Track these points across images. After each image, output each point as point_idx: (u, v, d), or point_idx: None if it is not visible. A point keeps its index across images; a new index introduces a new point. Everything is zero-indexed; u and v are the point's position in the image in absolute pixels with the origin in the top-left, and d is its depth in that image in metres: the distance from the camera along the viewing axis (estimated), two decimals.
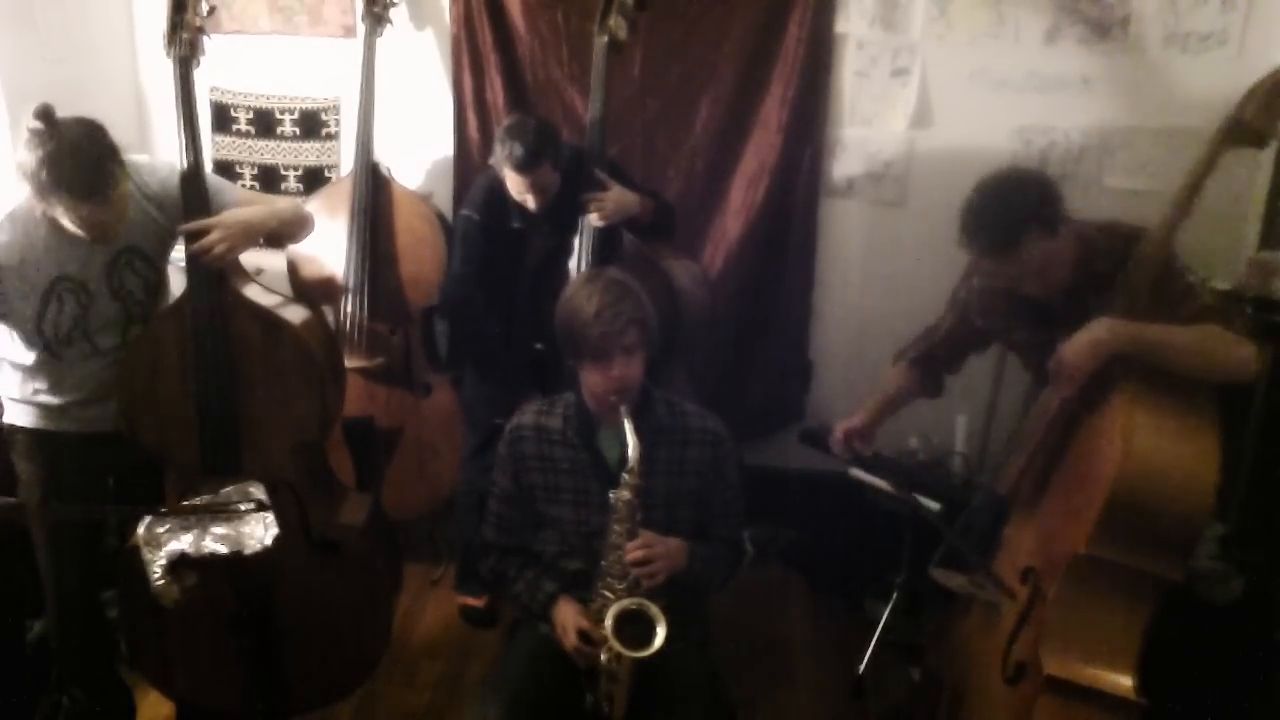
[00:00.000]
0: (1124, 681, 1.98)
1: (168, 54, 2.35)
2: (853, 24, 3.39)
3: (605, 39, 2.80)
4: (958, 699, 2.41)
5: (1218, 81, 3.22)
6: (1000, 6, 3.29)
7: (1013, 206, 2.12)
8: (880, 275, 3.58)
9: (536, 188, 2.79)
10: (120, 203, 2.23)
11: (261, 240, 2.47)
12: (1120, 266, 2.11)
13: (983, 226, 2.15)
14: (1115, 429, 1.98)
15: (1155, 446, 1.92)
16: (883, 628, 2.96)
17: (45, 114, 2.11)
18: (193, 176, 2.34)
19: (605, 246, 2.84)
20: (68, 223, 2.19)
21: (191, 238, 2.30)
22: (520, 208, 2.88)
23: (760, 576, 3.56)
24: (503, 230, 2.94)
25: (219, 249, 2.29)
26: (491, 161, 2.88)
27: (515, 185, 2.81)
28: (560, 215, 2.88)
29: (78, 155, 2.10)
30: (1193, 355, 1.99)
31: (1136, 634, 2.01)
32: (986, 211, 2.15)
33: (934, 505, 2.66)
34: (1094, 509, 1.96)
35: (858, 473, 2.75)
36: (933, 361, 2.56)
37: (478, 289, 3.00)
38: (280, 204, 2.83)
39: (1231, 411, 2.01)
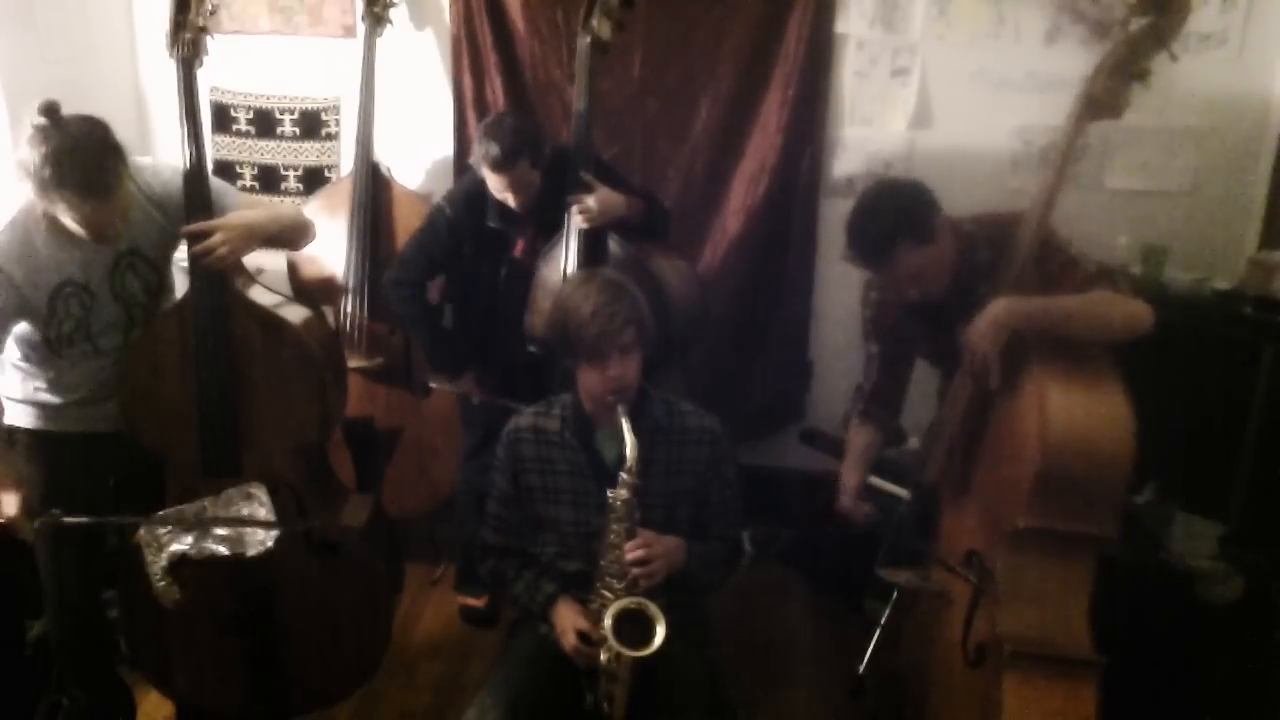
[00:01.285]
0: (1082, 641, 2.05)
1: (170, 54, 2.35)
2: (853, 24, 3.39)
3: (589, 39, 2.80)
4: (922, 690, 2.45)
5: (1218, 81, 3.23)
6: (1000, 6, 3.30)
7: (881, 220, 2.21)
8: None
9: (515, 186, 2.79)
10: (122, 202, 2.22)
11: (263, 243, 2.47)
12: (1001, 253, 2.19)
13: (857, 242, 2.26)
14: (1031, 406, 2.04)
15: (1072, 414, 1.99)
16: (883, 628, 2.96)
17: (50, 110, 2.11)
18: (195, 177, 2.34)
19: (592, 248, 2.83)
20: (68, 221, 2.18)
21: (194, 239, 2.30)
22: (500, 207, 2.88)
23: (760, 576, 3.56)
24: (477, 229, 2.94)
25: (221, 251, 2.29)
26: (470, 160, 2.88)
27: (493, 183, 2.81)
28: (543, 216, 2.88)
29: (81, 153, 2.10)
30: (1088, 320, 2.07)
31: (1084, 594, 2.08)
32: (861, 226, 2.25)
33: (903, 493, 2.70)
34: (1024, 484, 2.03)
35: (873, 479, 2.75)
36: (878, 405, 2.60)
37: (421, 276, 3.05)
38: (283, 209, 2.83)
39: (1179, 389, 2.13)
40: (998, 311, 2.07)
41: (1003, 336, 2.06)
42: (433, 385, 3.23)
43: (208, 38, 2.38)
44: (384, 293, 3.15)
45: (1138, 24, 2.08)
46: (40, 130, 2.10)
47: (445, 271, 3.12)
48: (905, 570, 2.36)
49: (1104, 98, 2.09)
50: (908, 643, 2.56)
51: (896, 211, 2.21)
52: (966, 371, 2.18)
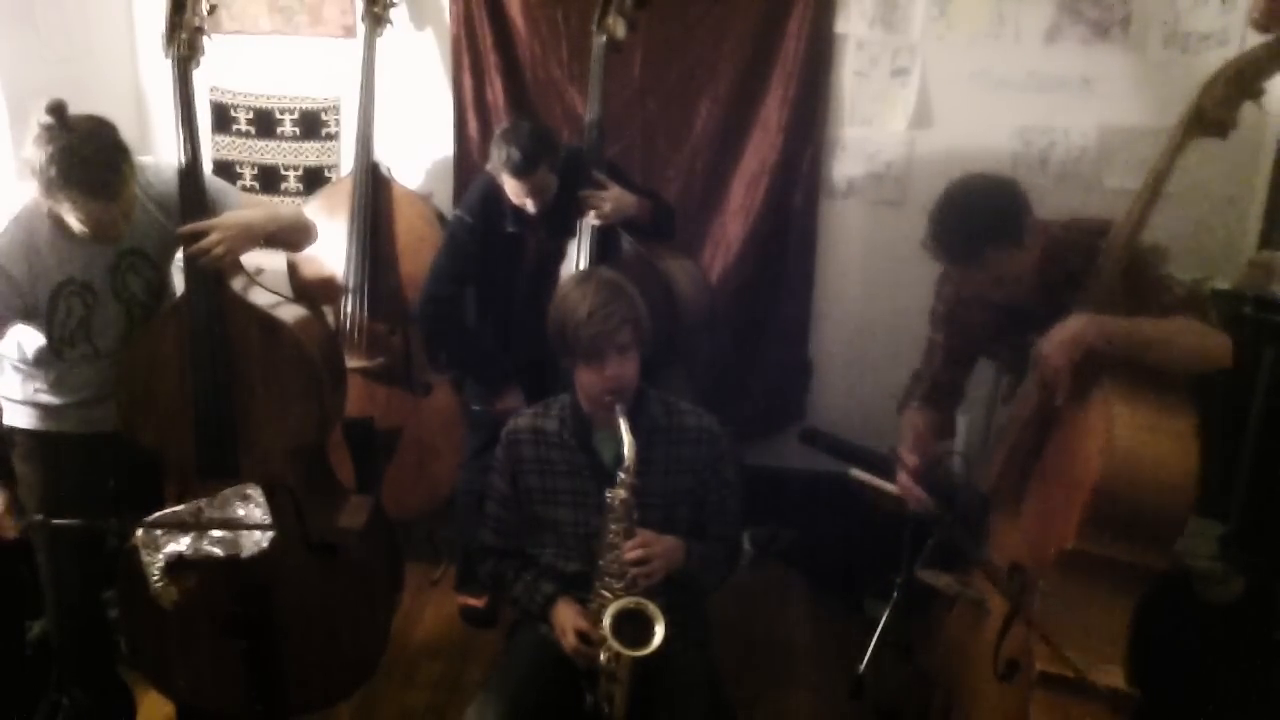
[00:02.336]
0: (1115, 672, 2.00)
1: (166, 54, 2.35)
2: (853, 24, 3.39)
3: (604, 39, 2.80)
4: (950, 697, 2.42)
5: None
6: (1000, 6, 3.30)
7: (974, 219, 2.11)
8: (880, 275, 3.57)
9: (534, 191, 2.79)
10: (127, 202, 2.22)
11: (262, 242, 2.46)
12: (1090, 262, 2.11)
13: (944, 238, 2.15)
14: (1096, 424, 1.99)
15: (1137, 440, 1.94)
16: (883, 628, 2.96)
17: (57, 109, 2.11)
18: (191, 177, 2.34)
19: (603, 247, 2.84)
20: (73, 220, 2.18)
21: (189, 239, 2.30)
22: (516, 211, 2.88)
23: (760, 576, 3.56)
24: (496, 234, 2.94)
25: (217, 250, 2.28)
26: (488, 166, 2.88)
27: (513, 189, 2.81)
28: (557, 218, 2.88)
29: (88, 152, 2.10)
30: (1168, 347, 2.00)
31: (1124, 625, 2.03)
32: (948, 223, 2.14)
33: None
34: (1079, 504, 1.98)
35: (858, 474, 2.75)
36: (940, 394, 2.52)
37: (456, 289, 3.01)
38: (283, 209, 2.83)
39: (1211, 402, 2.02)
40: (1077, 327, 2.00)
41: (1079, 353, 1.99)
42: (475, 408, 3.14)
43: (204, 38, 2.38)
44: (420, 319, 3.11)
45: (1209, 27, 2.00)
46: (47, 130, 2.10)
47: (475, 282, 3.07)
48: (946, 575, 2.30)
49: (1215, 114, 2.00)
50: (938, 647, 2.53)
51: (990, 210, 2.10)
52: (1035, 383, 2.10)
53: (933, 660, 2.54)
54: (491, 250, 2.96)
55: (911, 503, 2.43)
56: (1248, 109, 3.29)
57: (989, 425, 3.38)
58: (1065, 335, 2.00)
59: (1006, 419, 2.29)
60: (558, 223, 2.89)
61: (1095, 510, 1.95)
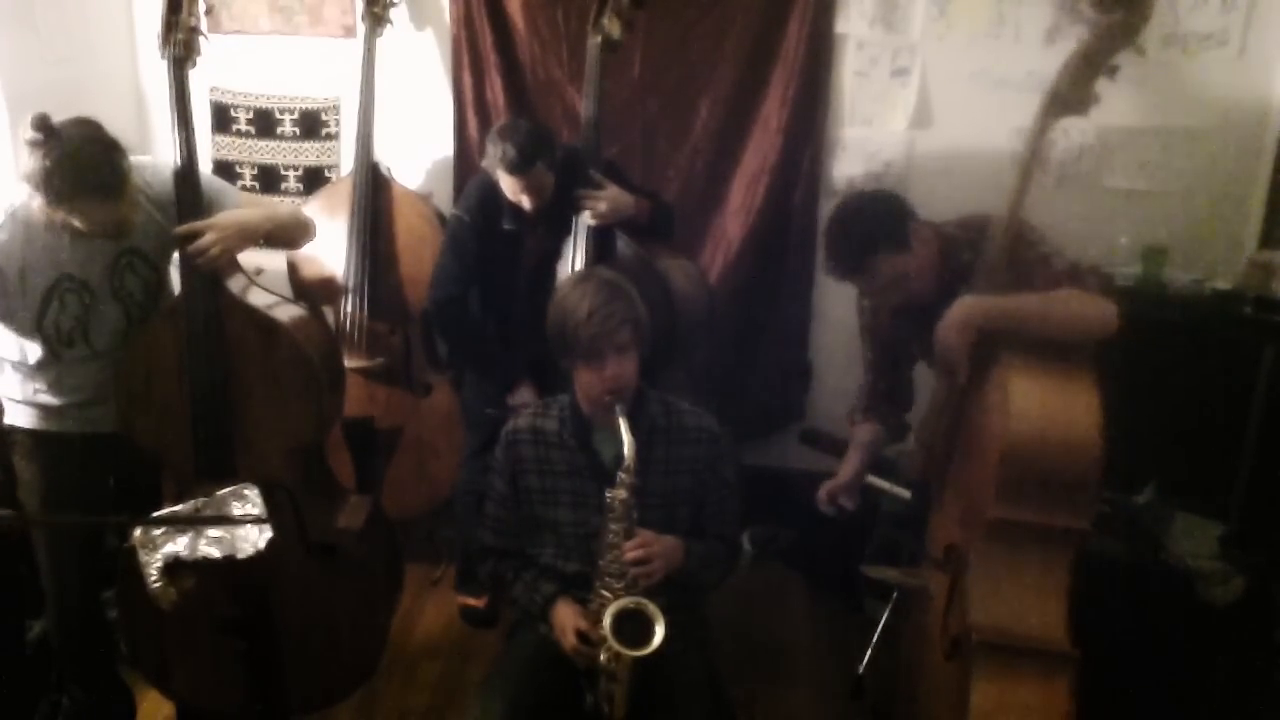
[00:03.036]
0: (1055, 634, 2.05)
1: (162, 54, 2.35)
2: (853, 24, 3.39)
3: (599, 38, 2.80)
4: (911, 686, 2.47)
5: (1218, 81, 3.23)
6: (1000, 6, 3.29)
7: (856, 233, 2.26)
8: None
9: (531, 189, 2.79)
10: (131, 196, 2.23)
11: (261, 242, 2.47)
12: (980, 252, 2.22)
13: (833, 255, 2.31)
14: (997, 398, 2.07)
15: (1035, 405, 2.02)
16: (882, 628, 2.96)
17: (42, 124, 2.09)
18: (187, 177, 2.33)
19: (601, 247, 2.84)
20: (83, 224, 2.18)
21: (186, 239, 2.30)
22: (514, 209, 2.88)
23: (760, 576, 3.56)
24: (494, 232, 2.94)
25: (213, 251, 2.28)
26: (485, 164, 2.88)
27: (510, 187, 2.81)
28: (555, 216, 2.87)
29: (87, 158, 2.10)
30: (1054, 319, 2.08)
31: (1059, 587, 2.08)
32: (835, 239, 2.30)
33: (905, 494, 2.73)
34: (993, 475, 2.05)
35: (873, 479, 2.76)
36: (883, 403, 2.61)
37: (462, 288, 3.00)
38: (280, 208, 2.83)
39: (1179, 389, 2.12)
40: (963, 310, 2.10)
41: (969, 335, 2.09)
42: (489, 411, 3.08)
43: (201, 38, 2.39)
44: (430, 321, 3.13)
45: (1105, 20, 2.05)
46: (38, 144, 2.09)
47: (478, 280, 3.06)
48: (891, 569, 2.40)
49: (1069, 94, 2.09)
50: (904, 641, 2.58)
51: (867, 224, 2.25)
52: (938, 369, 2.21)
53: (898, 655, 2.60)
54: (489, 248, 2.96)
55: (823, 507, 2.58)
56: (1249, 108, 3.32)
57: None
58: (954, 319, 2.10)
59: (928, 410, 2.38)
60: (555, 221, 2.89)
61: (1006, 477, 2.03)
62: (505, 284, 3.00)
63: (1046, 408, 2.01)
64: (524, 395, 2.98)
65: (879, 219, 2.25)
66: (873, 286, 2.33)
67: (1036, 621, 2.06)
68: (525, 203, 2.82)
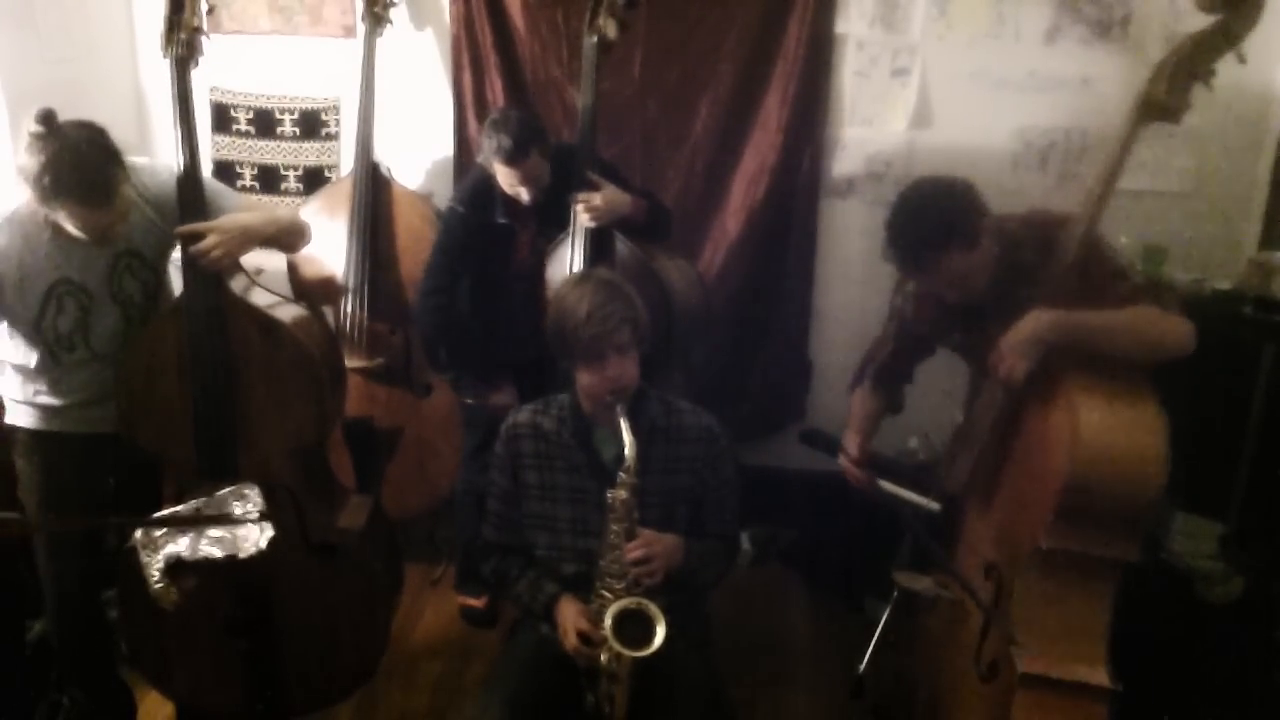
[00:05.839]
0: (1096, 668, 2.01)
1: (164, 55, 2.35)
2: (853, 24, 3.39)
3: (595, 38, 2.80)
4: (935, 698, 2.43)
5: (1218, 81, 3.22)
6: (1000, 6, 3.29)
7: (926, 226, 2.10)
8: (880, 275, 3.55)
9: (527, 179, 2.79)
10: (122, 206, 2.23)
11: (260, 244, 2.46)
12: (1046, 255, 2.10)
13: (896, 245, 2.15)
14: (1062, 420, 1.98)
15: (1103, 433, 1.93)
16: (883, 628, 2.96)
17: (47, 118, 2.11)
18: (189, 178, 2.33)
19: (598, 248, 2.83)
20: (70, 226, 2.19)
21: (188, 241, 2.30)
22: (509, 203, 2.88)
23: (760, 576, 3.56)
24: (488, 225, 2.94)
25: (216, 253, 2.28)
26: (479, 158, 2.88)
27: (506, 178, 2.81)
28: (550, 212, 2.87)
29: (80, 161, 2.10)
30: (1129, 338, 1.99)
31: (1102, 618, 2.03)
32: (901, 230, 2.14)
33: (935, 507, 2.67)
34: (1049, 501, 1.98)
35: (886, 484, 2.74)
36: (887, 376, 2.54)
37: (449, 279, 3.01)
38: (280, 212, 2.83)
39: (1178, 389, 2.03)
40: (1037, 326, 1.99)
41: (1040, 350, 1.99)
42: (469, 401, 3.15)
43: (203, 38, 2.38)
44: (416, 310, 3.12)
45: (1205, 22, 1.96)
46: (38, 138, 2.09)
47: (469, 271, 3.06)
48: (925, 577, 2.29)
49: (1164, 100, 1.97)
50: (920, 647, 2.53)
51: (943, 216, 2.08)
52: (997, 382, 2.09)
53: (914, 659, 2.56)
54: (482, 241, 2.96)
55: (852, 481, 2.47)
56: (1249, 108, 3.32)
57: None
58: (1023, 335, 2.00)
59: (973, 418, 2.29)
60: (550, 216, 2.88)
61: (1067, 508, 1.96)
62: (494, 279, 3.01)
63: (1115, 435, 1.92)
64: (504, 397, 3.00)
65: (953, 213, 2.09)
66: (933, 283, 2.19)
67: (1079, 653, 2.00)
68: (523, 194, 2.82)
